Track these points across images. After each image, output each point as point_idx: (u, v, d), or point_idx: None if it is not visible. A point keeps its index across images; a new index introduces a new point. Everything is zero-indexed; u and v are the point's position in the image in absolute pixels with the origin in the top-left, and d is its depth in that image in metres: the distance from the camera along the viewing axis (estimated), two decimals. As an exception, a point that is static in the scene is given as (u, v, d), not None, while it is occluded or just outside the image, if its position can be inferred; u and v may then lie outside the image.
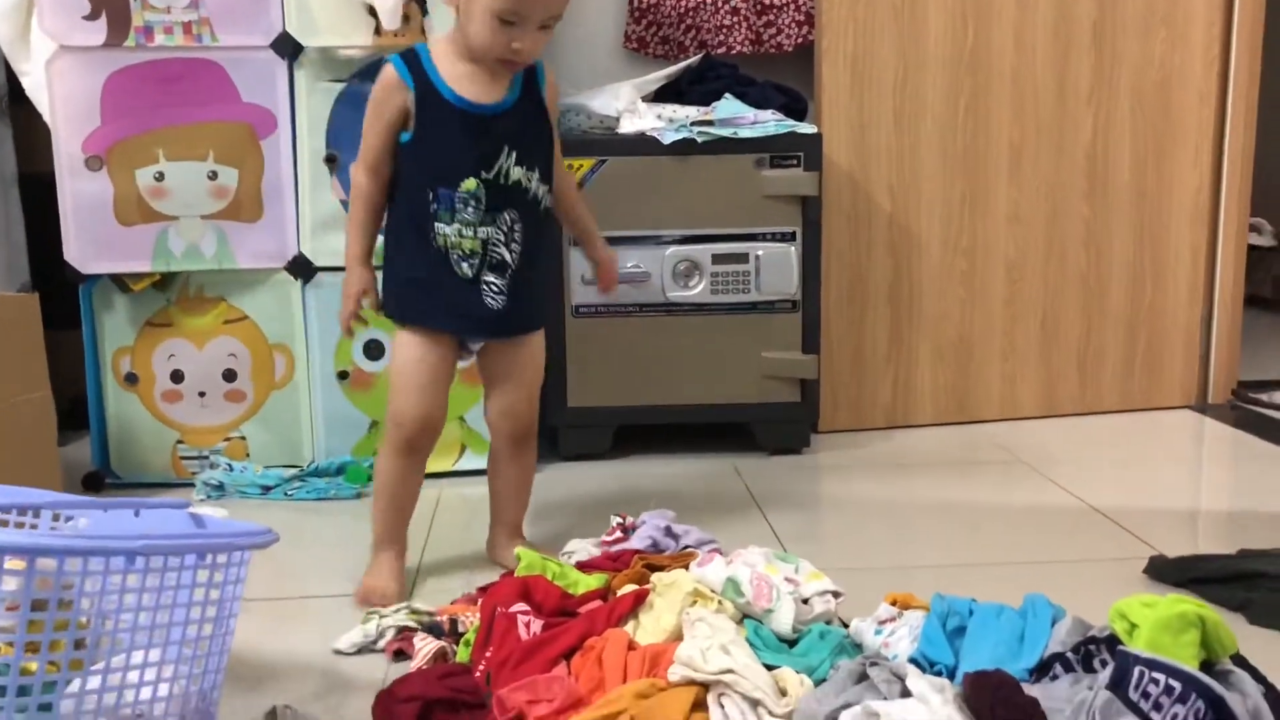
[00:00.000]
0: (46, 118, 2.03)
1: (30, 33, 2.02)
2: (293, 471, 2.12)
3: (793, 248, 2.22)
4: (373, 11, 1.99)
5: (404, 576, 1.66)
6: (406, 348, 1.61)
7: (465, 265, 1.57)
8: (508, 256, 1.58)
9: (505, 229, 1.57)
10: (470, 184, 1.54)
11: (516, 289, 1.60)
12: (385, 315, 1.65)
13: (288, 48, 2.02)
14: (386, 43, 2.02)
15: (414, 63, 1.55)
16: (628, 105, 2.27)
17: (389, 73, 1.55)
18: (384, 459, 1.66)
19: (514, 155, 1.56)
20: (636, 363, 2.25)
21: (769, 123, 2.22)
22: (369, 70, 2.06)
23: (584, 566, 1.55)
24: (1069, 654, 1.16)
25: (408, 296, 1.61)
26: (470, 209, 1.55)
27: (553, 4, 1.49)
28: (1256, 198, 2.58)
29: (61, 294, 2.10)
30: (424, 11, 2.03)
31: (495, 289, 1.59)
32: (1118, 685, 0.98)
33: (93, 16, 1.98)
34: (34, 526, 1.27)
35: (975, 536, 1.84)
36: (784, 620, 1.31)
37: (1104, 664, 1.12)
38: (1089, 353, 2.55)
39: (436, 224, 1.55)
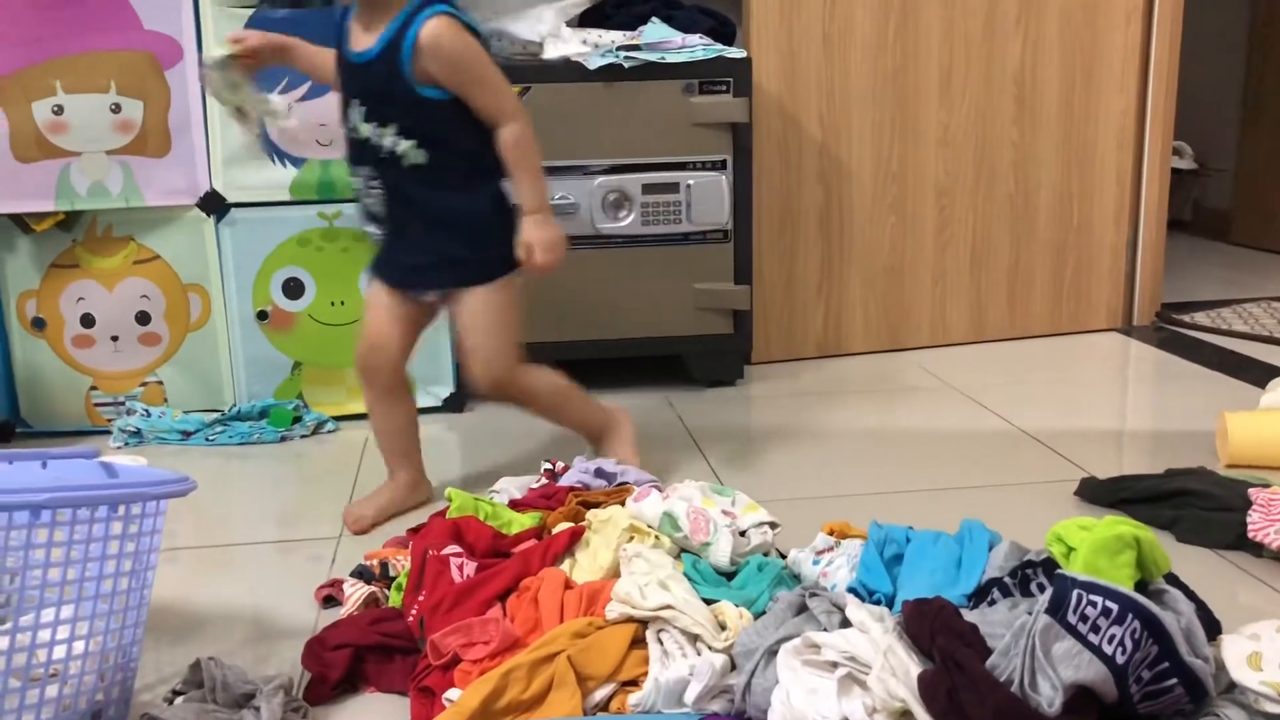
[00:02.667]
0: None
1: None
2: (214, 416, 2.06)
3: (724, 177, 2.18)
4: (280, -69, 1.89)
5: (388, 504, 1.67)
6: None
7: (361, 209, 1.62)
8: (376, 209, 1.58)
9: (363, 182, 1.57)
10: (344, 132, 1.57)
11: (395, 243, 1.60)
12: None
13: (190, -30, 1.92)
14: (296, -36, 1.93)
15: (344, 12, 1.56)
16: (551, 30, 2.19)
17: None
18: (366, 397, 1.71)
19: (363, 110, 1.52)
20: (567, 297, 2.20)
21: (697, 48, 2.17)
22: (284, -7, 1.97)
23: (517, 505, 1.52)
24: (1006, 579, 1.16)
25: None
26: (349, 159, 1.59)
27: None
28: (1177, 121, 2.59)
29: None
30: (335, -69, 1.93)
31: (376, 237, 1.62)
32: (1056, 609, 0.98)
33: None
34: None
35: (909, 463, 1.85)
36: (722, 553, 1.30)
37: (1041, 588, 1.12)
38: (1018, 277, 2.56)
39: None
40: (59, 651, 1.04)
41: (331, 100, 1.99)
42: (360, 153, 1.55)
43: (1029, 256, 2.56)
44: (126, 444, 2.01)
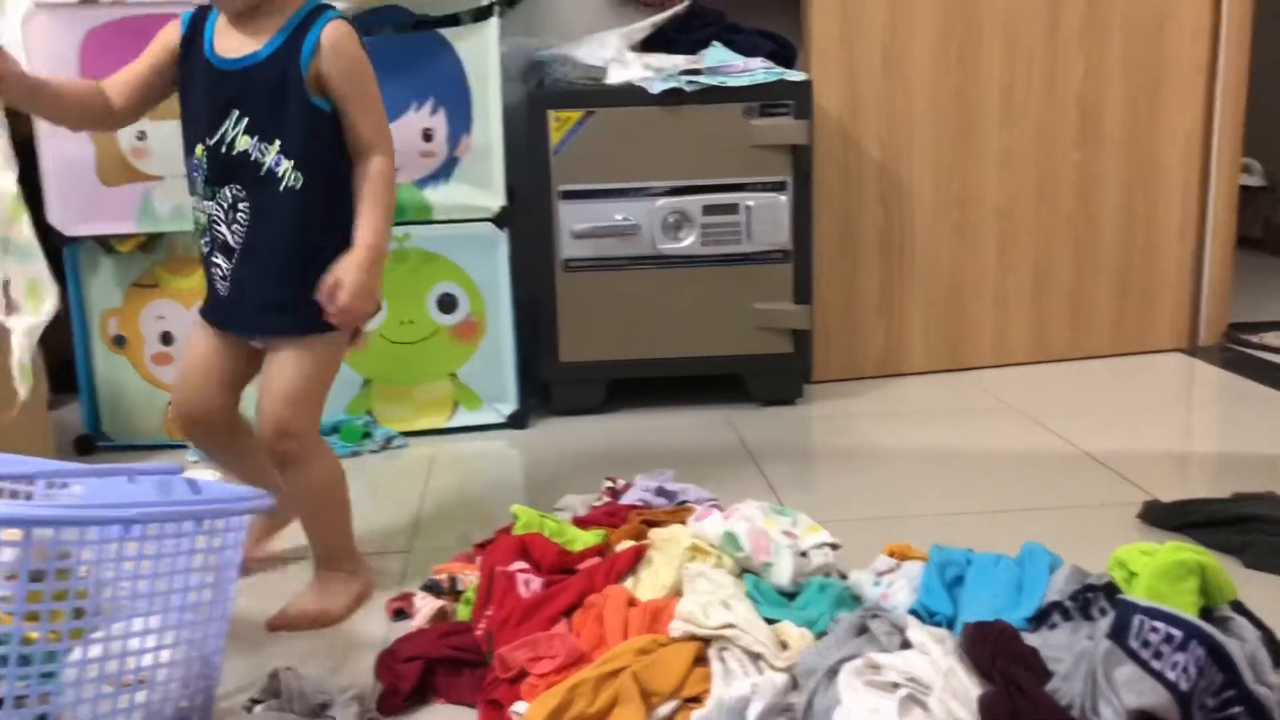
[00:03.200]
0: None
1: (2, -13, 1.98)
2: (286, 432, 2.11)
3: (784, 197, 2.20)
4: (353, -37, 1.94)
5: (260, 534, 1.63)
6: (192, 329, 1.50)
7: (203, 242, 1.43)
8: (230, 238, 1.39)
9: (226, 206, 1.38)
10: (199, 151, 1.38)
11: (244, 278, 1.40)
12: None
13: (267, 1, 1.98)
14: (368, -5, 1.99)
15: (199, 15, 1.41)
16: (614, 55, 2.23)
17: (174, 22, 1.43)
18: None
19: (244, 121, 1.36)
20: (628, 316, 2.24)
21: (758, 71, 2.19)
22: (366, 19, 2.02)
23: (580, 522, 1.55)
24: (1067, 602, 1.17)
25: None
26: (199, 180, 1.40)
27: None
28: (1246, 137, 2.57)
29: (46, 257, 2.06)
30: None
31: (220, 273, 1.41)
32: (1118, 634, 0.99)
33: (65, -30, 1.94)
34: (29, 496, 1.26)
35: (969, 484, 1.85)
36: (783, 573, 1.32)
37: (1103, 612, 1.12)
38: (1080, 297, 2.55)
39: (191, 195, 1.43)
40: (146, 660, 1.09)
41: (406, 126, 2.05)
42: (228, 171, 1.37)
43: (1092, 276, 2.54)
44: (203, 458, 2.07)
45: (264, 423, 1.40)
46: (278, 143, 1.35)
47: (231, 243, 1.39)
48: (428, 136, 2.07)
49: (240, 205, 1.38)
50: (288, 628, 1.42)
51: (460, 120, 2.08)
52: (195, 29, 1.40)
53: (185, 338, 2.12)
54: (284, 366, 1.40)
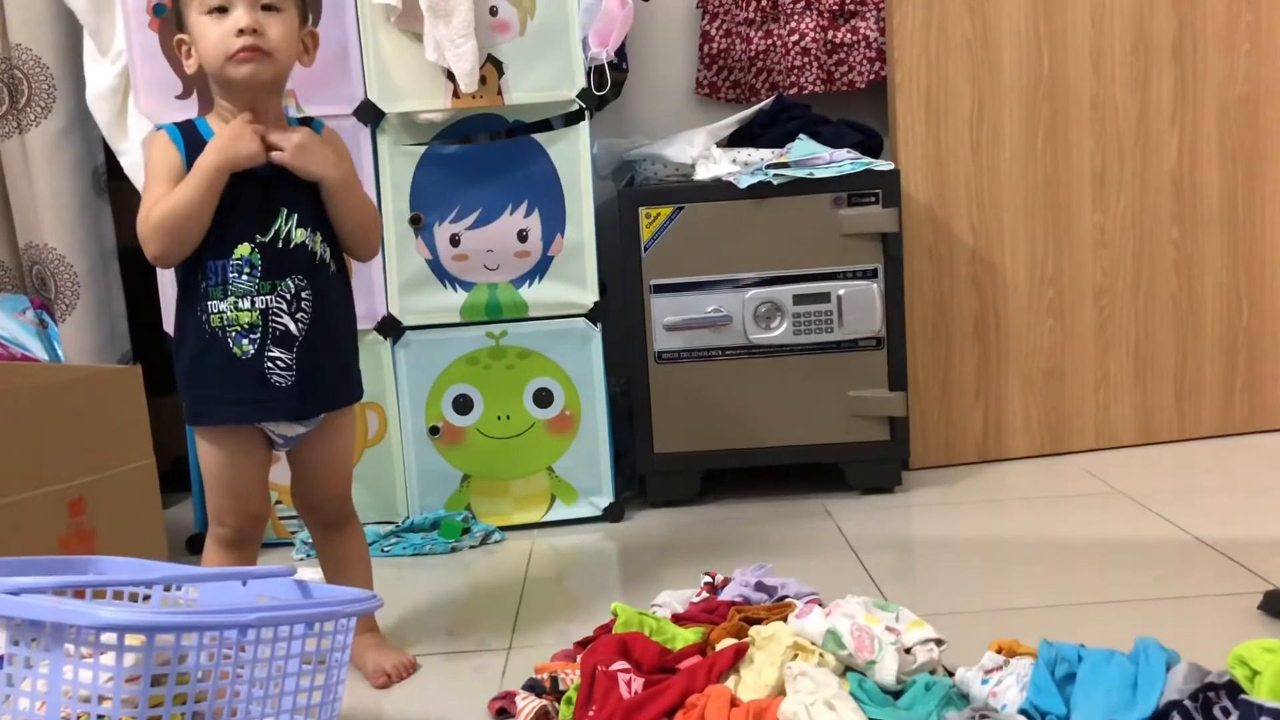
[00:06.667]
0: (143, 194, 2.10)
1: (127, 114, 2.11)
2: (389, 528, 2.16)
3: (875, 285, 2.20)
4: (450, 75, 2.04)
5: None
6: (205, 449, 1.50)
7: (245, 342, 1.44)
8: (293, 327, 1.45)
9: (289, 296, 1.45)
10: (244, 249, 1.43)
11: (308, 363, 1.46)
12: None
13: (370, 115, 2.08)
14: (465, 104, 2.07)
15: (188, 130, 1.47)
16: (702, 151, 2.28)
17: (161, 136, 1.46)
18: (211, 553, 1.55)
19: (294, 216, 1.46)
20: (721, 406, 2.25)
21: (845, 161, 2.22)
22: (449, 132, 2.11)
23: (679, 619, 1.55)
24: (1186, 702, 1.13)
25: (191, 393, 1.50)
26: (245, 277, 1.43)
27: None
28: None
29: (159, 356, 2.16)
30: (500, 73, 2.07)
31: (282, 365, 1.45)
32: (1242, 738, 0.95)
33: (184, 95, 2.06)
34: (147, 598, 1.31)
35: (1077, 575, 1.80)
36: (888, 671, 1.30)
37: (1225, 713, 1.09)
38: (1185, 377, 2.49)
39: (209, 303, 1.44)
40: (260, 762, 1.12)
41: (503, 227, 2.12)
42: (287, 264, 1.45)
43: (1196, 356, 2.48)
44: (309, 555, 2.12)
45: (332, 487, 1.57)
46: (319, 233, 1.48)
47: (294, 331, 1.46)
48: (523, 237, 2.13)
49: (303, 294, 1.46)
50: (396, 681, 1.57)
51: (554, 220, 2.14)
52: (190, 142, 1.45)
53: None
54: (341, 433, 1.56)
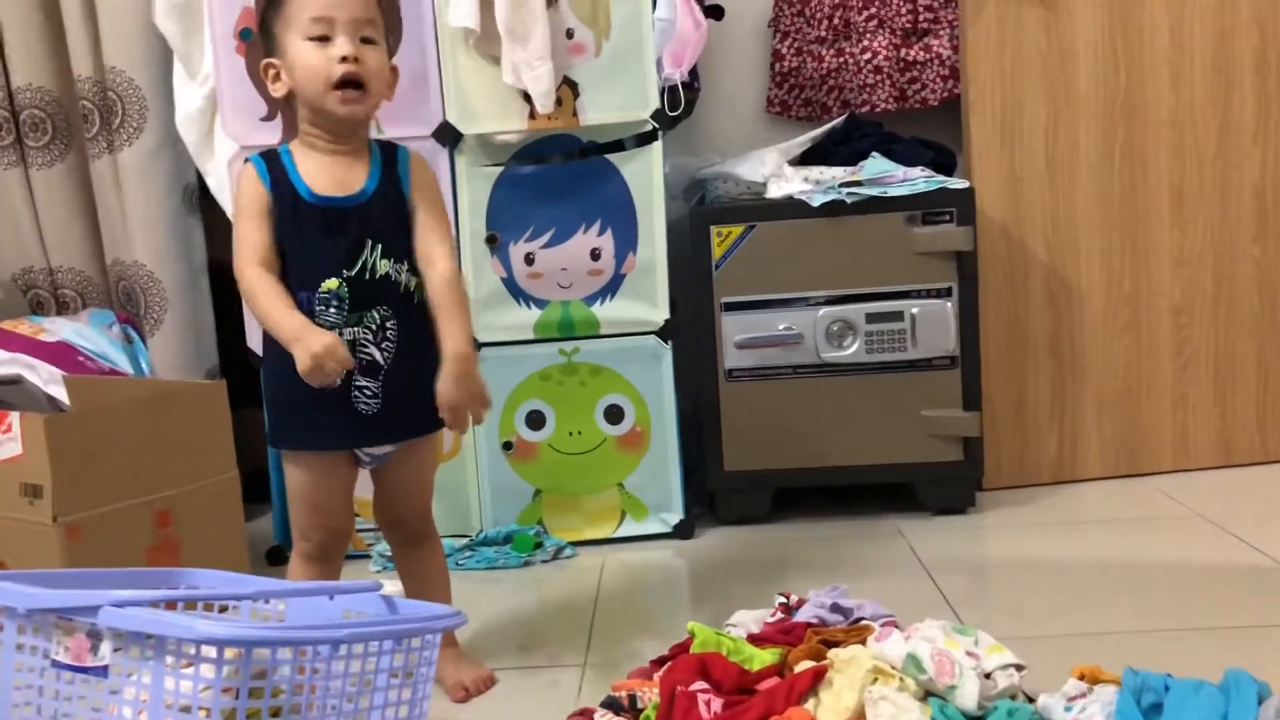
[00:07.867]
0: (229, 214, 2.16)
1: (214, 135, 2.16)
2: (463, 541, 2.19)
3: (949, 304, 2.19)
4: (527, 97, 2.06)
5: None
6: (291, 469, 1.54)
7: None
8: (378, 356, 1.48)
9: (374, 327, 1.48)
10: (331, 283, 1.45)
11: (393, 390, 1.49)
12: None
13: (448, 136, 2.11)
14: (541, 126, 2.10)
15: (273, 160, 1.49)
16: (774, 170, 2.29)
17: (249, 170, 1.48)
18: (296, 568, 1.59)
19: (378, 247, 1.47)
20: (792, 425, 2.25)
21: (918, 180, 2.21)
22: (524, 153, 2.14)
23: (755, 640, 1.55)
24: (1280, 736, 1.11)
25: (277, 417, 1.54)
26: (332, 310, 1.45)
27: (355, 4, 1.44)
28: None
29: (243, 371, 2.21)
30: (575, 94, 2.09)
31: (369, 393, 1.49)
32: (1341, 775, 0.93)
33: (269, 118, 2.11)
34: (236, 611, 1.34)
35: (1159, 600, 1.77)
36: (969, 697, 1.29)
37: (1321, 748, 1.06)
38: (1267, 398, 2.44)
39: None
40: (349, 775, 1.14)
41: (576, 246, 2.14)
42: (373, 295, 1.47)
43: (1278, 376, 2.43)
44: (385, 568, 2.15)
45: (415, 505, 1.61)
46: (404, 262, 1.50)
47: (380, 360, 1.49)
48: (595, 255, 2.15)
49: (388, 324, 1.49)
50: (474, 695, 1.60)
51: (626, 239, 2.16)
52: (276, 176, 1.47)
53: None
54: (424, 457, 1.60)
